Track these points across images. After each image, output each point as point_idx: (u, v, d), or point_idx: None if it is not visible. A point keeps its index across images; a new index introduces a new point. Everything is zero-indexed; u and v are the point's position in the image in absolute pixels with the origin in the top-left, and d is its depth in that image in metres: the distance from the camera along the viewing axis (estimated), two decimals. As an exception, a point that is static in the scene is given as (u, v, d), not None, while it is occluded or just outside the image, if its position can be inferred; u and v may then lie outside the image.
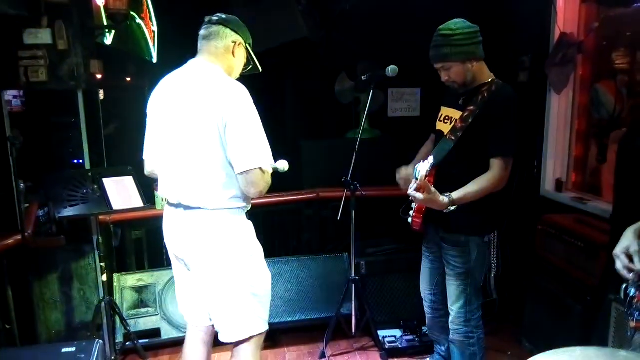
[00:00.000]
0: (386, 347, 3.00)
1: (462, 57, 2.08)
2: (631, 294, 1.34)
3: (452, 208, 2.05)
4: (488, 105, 2.09)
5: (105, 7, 3.01)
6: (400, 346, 3.02)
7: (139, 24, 3.74)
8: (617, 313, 2.22)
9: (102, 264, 2.75)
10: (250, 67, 2.12)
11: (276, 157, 1.98)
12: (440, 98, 2.38)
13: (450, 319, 2.36)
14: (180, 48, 2.36)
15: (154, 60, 3.80)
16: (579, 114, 3.30)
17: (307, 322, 3.20)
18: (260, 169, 1.84)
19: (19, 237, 2.66)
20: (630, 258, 1.36)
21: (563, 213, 3.02)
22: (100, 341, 2.16)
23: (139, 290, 3.10)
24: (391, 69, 2.56)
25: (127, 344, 2.92)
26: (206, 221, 1.90)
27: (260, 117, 1.87)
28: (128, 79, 4.17)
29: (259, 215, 2.79)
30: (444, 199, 2.03)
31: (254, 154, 1.82)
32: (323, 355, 3.01)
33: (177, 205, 1.95)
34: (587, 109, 3.25)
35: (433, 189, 1.99)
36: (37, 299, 2.91)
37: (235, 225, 1.94)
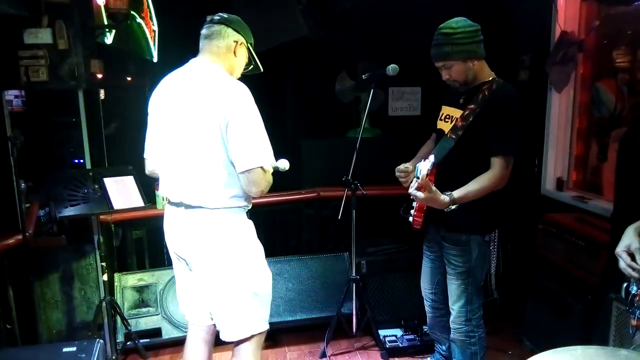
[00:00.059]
0: (387, 346, 3.00)
1: (463, 55, 2.08)
2: (633, 292, 1.34)
3: (453, 207, 2.05)
4: (489, 103, 2.09)
5: (106, 6, 3.00)
6: (401, 345, 3.02)
7: (139, 24, 3.73)
8: (618, 312, 2.22)
9: (103, 264, 2.75)
10: (252, 66, 2.12)
11: (277, 156, 1.99)
12: (441, 97, 2.38)
13: (451, 318, 2.36)
14: (180, 47, 2.36)
15: (155, 60, 3.79)
16: (580, 113, 3.30)
17: (308, 322, 3.20)
18: (262, 168, 1.84)
19: (20, 236, 2.66)
20: (632, 256, 1.36)
21: (564, 212, 3.02)
22: (101, 341, 2.17)
23: (140, 289, 3.10)
24: (392, 68, 2.55)
25: (128, 343, 2.92)
26: (207, 220, 1.90)
27: (261, 116, 1.87)
28: (128, 79, 4.16)
29: (259, 214, 2.79)
30: (444, 197, 2.02)
31: (255, 153, 1.82)
32: (324, 354, 3.01)
33: (178, 204, 1.95)
34: (587, 108, 3.25)
35: (434, 187, 1.98)
36: (38, 298, 2.91)
37: (236, 224, 1.94)
